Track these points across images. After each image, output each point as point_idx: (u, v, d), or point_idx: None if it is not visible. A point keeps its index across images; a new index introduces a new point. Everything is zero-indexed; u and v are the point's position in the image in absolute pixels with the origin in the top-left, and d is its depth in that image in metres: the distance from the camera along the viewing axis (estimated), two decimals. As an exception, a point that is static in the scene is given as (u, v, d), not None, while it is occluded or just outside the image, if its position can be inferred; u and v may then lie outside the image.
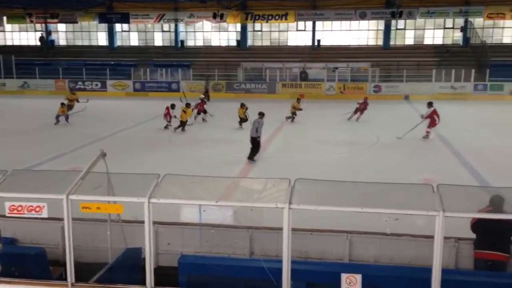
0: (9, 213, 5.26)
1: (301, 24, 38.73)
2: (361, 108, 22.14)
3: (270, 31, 39.67)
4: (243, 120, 19.91)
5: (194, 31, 40.65)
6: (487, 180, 12.08)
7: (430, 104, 18.01)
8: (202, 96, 24.04)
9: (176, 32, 40.32)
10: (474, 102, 29.23)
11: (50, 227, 6.84)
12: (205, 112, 22.28)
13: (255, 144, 14.39)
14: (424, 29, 37.90)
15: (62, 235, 5.86)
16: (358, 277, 5.03)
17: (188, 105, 20.29)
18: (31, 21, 41.01)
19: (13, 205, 5.22)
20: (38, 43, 41.73)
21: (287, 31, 39.36)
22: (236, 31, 39.86)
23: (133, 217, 6.07)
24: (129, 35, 41.74)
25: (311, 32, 38.54)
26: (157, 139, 18.19)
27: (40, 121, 21.89)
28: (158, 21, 39.63)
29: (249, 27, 39.38)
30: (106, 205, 5.31)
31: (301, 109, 22.16)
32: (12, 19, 41.35)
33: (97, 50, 40.72)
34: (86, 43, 42.18)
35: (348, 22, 37.89)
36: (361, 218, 4.97)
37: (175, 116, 20.05)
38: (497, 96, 30.79)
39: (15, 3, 37.05)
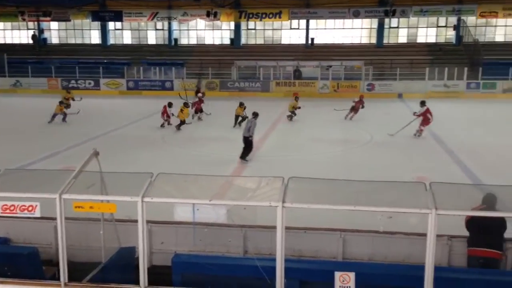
0: (1, 212, 5.23)
1: (294, 22, 38.76)
2: (357, 107, 22.20)
3: (264, 29, 39.66)
4: (243, 119, 19.86)
5: (188, 30, 40.56)
6: (480, 178, 12.17)
7: (423, 103, 18.12)
8: (200, 94, 24.02)
9: (170, 30, 40.22)
10: (467, 100, 29.36)
11: (43, 227, 6.81)
12: (201, 111, 22.26)
13: (247, 144, 14.40)
14: (417, 27, 38.04)
15: (55, 235, 5.83)
16: (352, 275, 5.04)
17: (186, 104, 20.28)
18: (24, 19, 40.76)
19: (6, 205, 5.19)
20: (31, 41, 41.50)
21: (281, 29, 39.38)
22: (230, 30, 39.82)
23: (126, 216, 6.05)
24: (122, 33, 41.59)
25: (304, 31, 38.60)
26: (150, 137, 18.14)
27: (33, 120, 21.76)
28: (152, 19, 39.52)
29: (243, 25, 39.35)
30: (99, 204, 5.29)
31: (299, 107, 22.18)
32: (4, 17, 41.12)
33: (90, 48, 40.56)
34: (79, 41, 41.97)
35: (341, 20, 37.99)
36: (355, 216, 4.99)
37: (172, 114, 20.02)
38: (489, 94, 30.94)
39: (7, 1, 36.78)
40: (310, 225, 6.60)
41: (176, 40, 40.25)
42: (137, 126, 21.07)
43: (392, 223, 5.19)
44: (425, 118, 17.73)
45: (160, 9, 38.83)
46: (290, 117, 22.06)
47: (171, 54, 38.36)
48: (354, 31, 38.52)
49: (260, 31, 39.80)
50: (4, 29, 42.86)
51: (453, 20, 37.06)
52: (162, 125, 20.03)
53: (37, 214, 5.23)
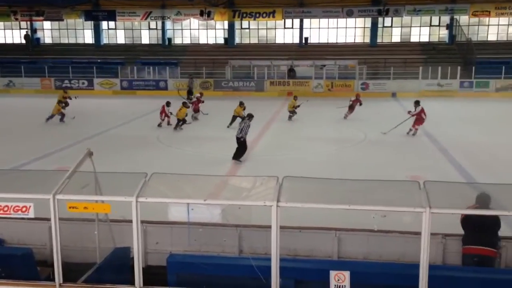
0: (-5, 213, 5.20)
1: (288, 21, 38.76)
2: (353, 106, 22.24)
3: (258, 28, 39.63)
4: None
5: (182, 29, 40.45)
6: (474, 176, 12.21)
7: (417, 103, 18.19)
8: (198, 94, 23.98)
9: (163, 30, 40.10)
10: (460, 99, 29.50)
11: (37, 228, 6.76)
12: (198, 110, 22.24)
13: (240, 144, 14.40)
14: (410, 26, 38.14)
15: (50, 235, 5.79)
16: (347, 274, 5.04)
17: (186, 104, 20.23)
18: (16, 19, 40.43)
19: (-1, 205, 5.16)
20: (23, 41, 41.19)
21: (274, 28, 39.39)
22: (224, 29, 39.76)
23: (121, 217, 6.03)
24: (116, 33, 41.41)
25: (298, 30, 38.62)
26: (145, 137, 18.09)
27: (26, 120, 21.66)
28: (145, 19, 39.39)
29: (237, 24, 39.31)
30: (93, 204, 5.27)
31: (298, 105, 22.14)
32: (-4, 16, 40.84)
33: (83, 48, 40.34)
34: (72, 41, 41.72)
35: (335, 19, 38.01)
36: (350, 215, 4.99)
37: (171, 113, 19.98)
38: (483, 93, 31.07)
39: (-1, 0, 36.62)
40: (305, 224, 6.60)
41: (170, 39, 40.14)
42: (131, 126, 21.01)
43: (386, 222, 5.19)
44: (419, 117, 17.83)
45: (153, 8, 38.69)
46: (290, 117, 22.02)
47: (165, 54, 38.26)
48: (348, 30, 38.57)
49: (254, 30, 39.77)
50: (-4, 29, 42.62)
51: (446, 19, 37.20)
52: (160, 125, 19.99)
53: (31, 215, 5.20)
